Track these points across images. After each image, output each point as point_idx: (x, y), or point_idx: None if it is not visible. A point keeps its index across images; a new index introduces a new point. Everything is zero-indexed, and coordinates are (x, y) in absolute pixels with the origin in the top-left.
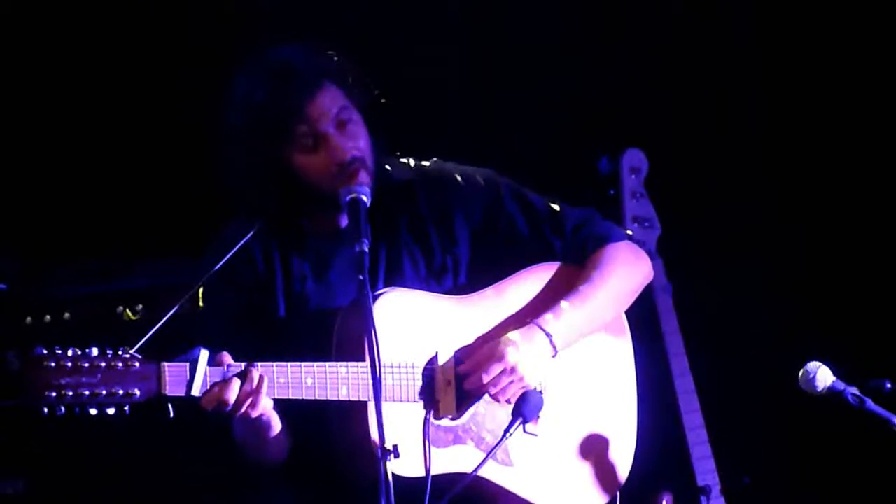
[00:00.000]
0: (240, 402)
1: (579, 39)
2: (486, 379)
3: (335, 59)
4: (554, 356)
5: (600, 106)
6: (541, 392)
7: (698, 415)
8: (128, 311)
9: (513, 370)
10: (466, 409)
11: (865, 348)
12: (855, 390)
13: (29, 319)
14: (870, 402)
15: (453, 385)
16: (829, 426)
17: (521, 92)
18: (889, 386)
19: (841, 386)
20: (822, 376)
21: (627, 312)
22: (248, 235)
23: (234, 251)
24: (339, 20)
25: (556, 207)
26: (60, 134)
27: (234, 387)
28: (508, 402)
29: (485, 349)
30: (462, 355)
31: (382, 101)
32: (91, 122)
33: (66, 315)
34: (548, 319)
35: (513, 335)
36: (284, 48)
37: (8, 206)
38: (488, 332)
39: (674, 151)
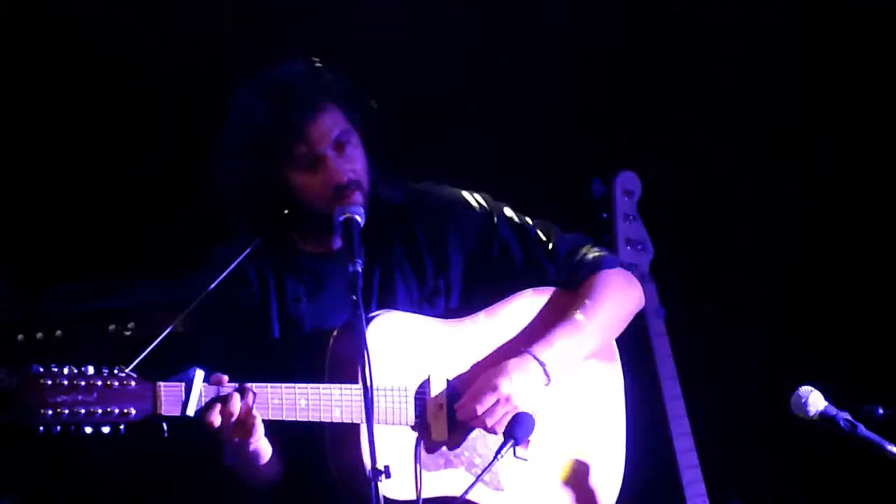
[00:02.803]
0: (232, 424)
1: (575, 59)
2: (480, 410)
3: (336, 78)
4: (547, 384)
5: (594, 127)
6: (532, 415)
7: (689, 438)
8: (119, 329)
9: (507, 400)
10: (458, 433)
11: (858, 373)
12: (847, 415)
13: (21, 337)
14: (862, 428)
15: (445, 409)
16: (821, 451)
17: (515, 113)
18: (881, 411)
19: (833, 411)
20: (814, 401)
21: (619, 336)
22: (242, 256)
23: (227, 272)
24: (330, 37)
25: (550, 233)
26: (52, 152)
27: (227, 408)
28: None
29: (479, 380)
30: (455, 382)
31: (381, 121)
32: (82, 140)
33: (58, 333)
34: (541, 348)
35: (506, 365)
36: (286, 66)
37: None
38: (481, 358)
39: (668, 174)
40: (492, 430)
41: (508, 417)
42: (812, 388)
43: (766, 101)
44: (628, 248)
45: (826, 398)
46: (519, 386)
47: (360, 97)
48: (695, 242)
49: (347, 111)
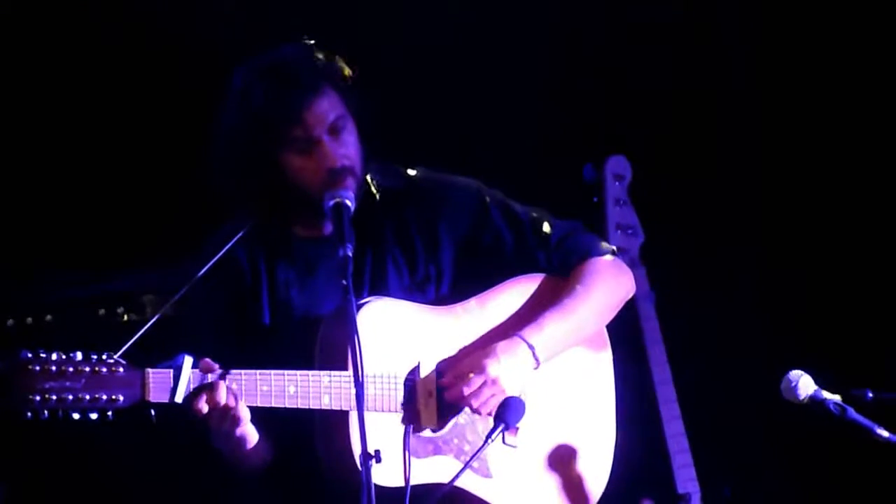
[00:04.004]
0: (218, 411)
1: (565, 46)
2: (467, 391)
3: (334, 62)
4: (536, 368)
5: (585, 112)
6: (522, 400)
7: (679, 423)
8: (110, 313)
9: (494, 382)
10: (448, 420)
11: (848, 357)
12: (837, 399)
13: (11, 322)
14: (851, 411)
15: (435, 396)
16: (811, 435)
17: (506, 99)
18: (871, 395)
19: (822, 395)
20: (805, 385)
21: (609, 321)
22: (233, 240)
23: (218, 256)
24: (327, 26)
25: (542, 219)
26: (43, 139)
27: (214, 396)
28: (490, 414)
29: (466, 361)
30: (444, 367)
31: (376, 107)
32: (73, 126)
33: (48, 317)
34: (531, 331)
35: (495, 347)
36: (285, 48)
37: None
38: (471, 344)
39: (658, 158)
40: (477, 412)
41: (495, 400)
42: (802, 372)
43: (764, 90)
44: (619, 232)
45: (816, 382)
46: (507, 368)
47: (357, 81)
48: (685, 227)
49: (344, 95)
